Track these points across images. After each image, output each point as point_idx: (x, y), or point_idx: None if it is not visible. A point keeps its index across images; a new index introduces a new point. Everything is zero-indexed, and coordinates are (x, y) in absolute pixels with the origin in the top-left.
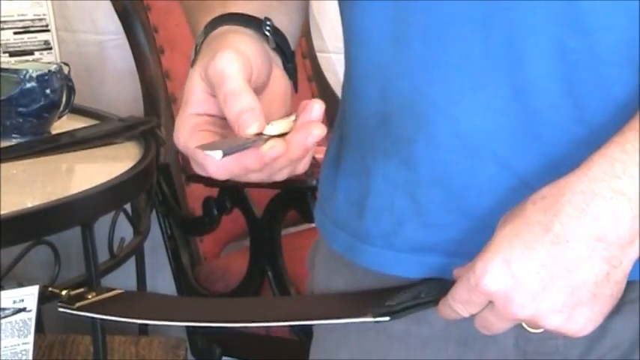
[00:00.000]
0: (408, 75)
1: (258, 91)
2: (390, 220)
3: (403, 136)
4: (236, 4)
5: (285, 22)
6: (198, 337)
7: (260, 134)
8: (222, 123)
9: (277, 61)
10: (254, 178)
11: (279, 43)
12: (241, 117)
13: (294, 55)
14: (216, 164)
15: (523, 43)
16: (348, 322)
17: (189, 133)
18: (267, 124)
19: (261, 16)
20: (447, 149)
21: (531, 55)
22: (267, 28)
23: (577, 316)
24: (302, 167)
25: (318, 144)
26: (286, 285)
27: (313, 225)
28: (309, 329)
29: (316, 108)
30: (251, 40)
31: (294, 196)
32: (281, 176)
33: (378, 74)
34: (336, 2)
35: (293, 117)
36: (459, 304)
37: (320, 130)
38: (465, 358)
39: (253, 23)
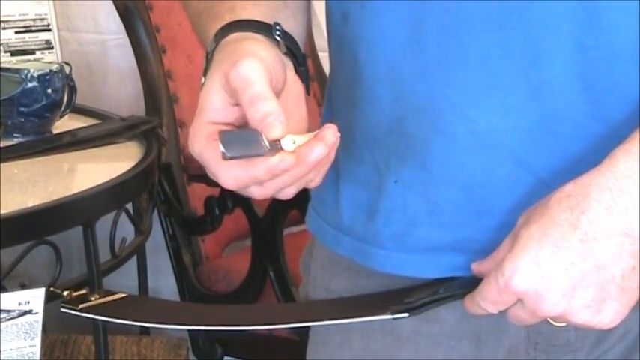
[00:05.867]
0: (424, 76)
1: (276, 96)
2: (402, 222)
3: (418, 137)
4: (244, 10)
5: (292, 24)
6: (200, 337)
7: (275, 144)
8: None
9: (289, 65)
10: (258, 193)
11: (290, 47)
12: (267, 119)
13: (305, 58)
14: (227, 174)
15: (540, 41)
16: (365, 321)
17: (204, 141)
18: (287, 136)
19: (270, 21)
20: (464, 148)
21: (548, 53)
22: (278, 32)
23: (605, 309)
24: (313, 184)
25: None
26: (288, 285)
27: None
28: (309, 329)
29: (330, 134)
30: (266, 46)
31: (296, 196)
32: (286, 194)
33: (391, 76)
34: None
35: (312, 134)
36: (488, 303)
37: (322, 149)
38: (479, 353)
39: (264, 29)
